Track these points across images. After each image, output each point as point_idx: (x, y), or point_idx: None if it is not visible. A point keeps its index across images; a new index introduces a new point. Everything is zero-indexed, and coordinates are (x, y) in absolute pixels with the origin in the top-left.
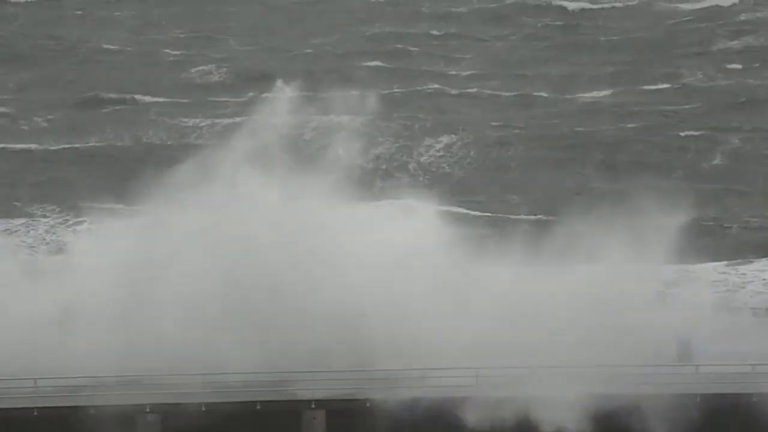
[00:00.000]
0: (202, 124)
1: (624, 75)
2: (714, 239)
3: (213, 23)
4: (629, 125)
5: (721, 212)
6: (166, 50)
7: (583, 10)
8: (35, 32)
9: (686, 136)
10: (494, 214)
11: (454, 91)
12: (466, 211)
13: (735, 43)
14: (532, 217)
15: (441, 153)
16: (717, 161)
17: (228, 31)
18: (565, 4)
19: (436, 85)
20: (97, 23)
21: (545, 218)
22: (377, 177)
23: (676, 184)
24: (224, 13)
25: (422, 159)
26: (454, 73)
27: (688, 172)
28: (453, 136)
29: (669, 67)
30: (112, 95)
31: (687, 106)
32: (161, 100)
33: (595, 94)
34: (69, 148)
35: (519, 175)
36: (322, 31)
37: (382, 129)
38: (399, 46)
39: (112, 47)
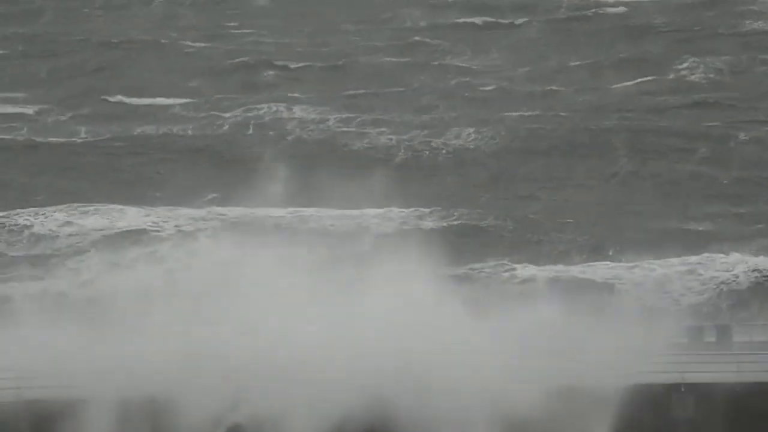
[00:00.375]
0: (225, 115)
1: (652, 63)
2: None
3: (240, 15)
4: (657, 113)
5: (748, 202)
6: (192, 43)
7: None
8: (61, 26)
9: (712, 125)
10: (511, 215)
11: (482, 82)
12: (478, 214)
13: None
14: (560, 220)
15: (468, 140)
16: (744, 149)
17: (254, 23)
18: None
19: (463, 76)
20: (123, 16)
21: (569, 221)
22: (400, 151)
23: (704, 172)
24: (251, 5)
25: (451, 142)
26: (482, 63)
27: (714, 160)
28: (480, 127)
29: (698, 54)
30: (138, 88)
31: (717, 94)
32: (186, 90)
33: (624, 84)
34: (92, 140)
35: (544, 166)
36: (349, 22)
37: (407, 121)
38: (425, 37)
39: (138, 39)
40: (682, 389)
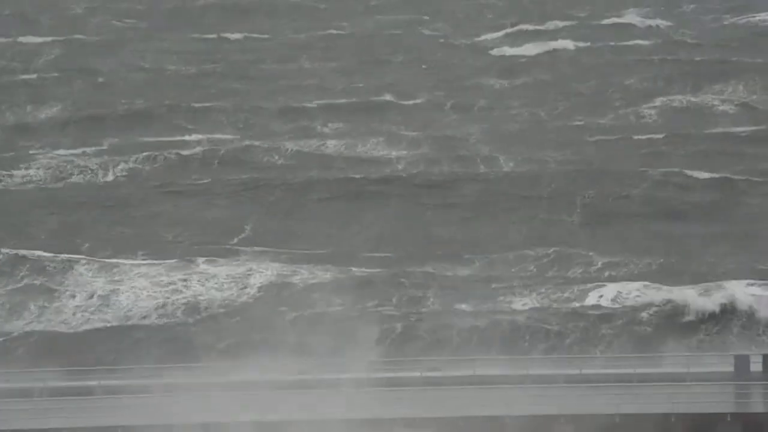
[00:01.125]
0: (268, 148)
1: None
2: None
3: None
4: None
5: None
6: (231, 82)
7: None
8: (100, 60)
9: None
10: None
11: (517, 113)
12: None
13: None
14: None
15: (498, 170)
16: None
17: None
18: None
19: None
20: (159, 49)
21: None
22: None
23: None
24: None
25: (480, 171)
26: (520, 95)
27: None
28: (512, 157)
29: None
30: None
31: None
32: (229, 128)
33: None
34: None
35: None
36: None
37: (438, 156)
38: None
39: (185, 69)
40: (728, 418)
